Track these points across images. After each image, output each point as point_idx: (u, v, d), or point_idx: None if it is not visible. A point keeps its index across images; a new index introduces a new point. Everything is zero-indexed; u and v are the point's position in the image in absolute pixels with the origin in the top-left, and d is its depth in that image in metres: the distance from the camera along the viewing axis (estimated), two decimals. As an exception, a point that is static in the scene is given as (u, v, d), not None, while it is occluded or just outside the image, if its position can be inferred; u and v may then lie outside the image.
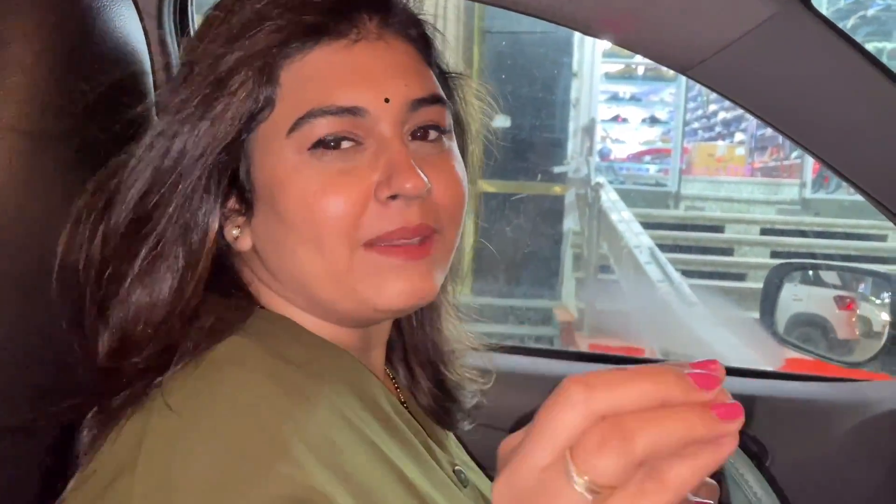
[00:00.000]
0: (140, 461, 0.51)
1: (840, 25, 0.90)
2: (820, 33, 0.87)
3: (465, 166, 0.71)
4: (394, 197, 0.61)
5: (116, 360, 0.58)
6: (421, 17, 0.69)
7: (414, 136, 0.65)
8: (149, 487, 0.50)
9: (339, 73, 0.61)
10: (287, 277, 0.65)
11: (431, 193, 0.63)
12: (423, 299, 0.64)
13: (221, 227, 0.64)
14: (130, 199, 0.59)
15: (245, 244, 0.65)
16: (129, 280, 0.59)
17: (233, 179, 0.63)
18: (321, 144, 0.61)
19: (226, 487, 0.50)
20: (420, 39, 0.68)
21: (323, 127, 0.60)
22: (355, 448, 0.58)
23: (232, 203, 0.64)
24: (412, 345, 0.80)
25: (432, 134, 0.65)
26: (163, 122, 0.60)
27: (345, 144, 0.61)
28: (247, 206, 0.64)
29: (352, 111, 0.61)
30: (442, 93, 0.67)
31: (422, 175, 0.61)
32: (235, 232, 0.64)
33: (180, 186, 0.59)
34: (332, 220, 0.60)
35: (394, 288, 0.62)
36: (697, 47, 0.89)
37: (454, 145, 0.69)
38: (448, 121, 0.67)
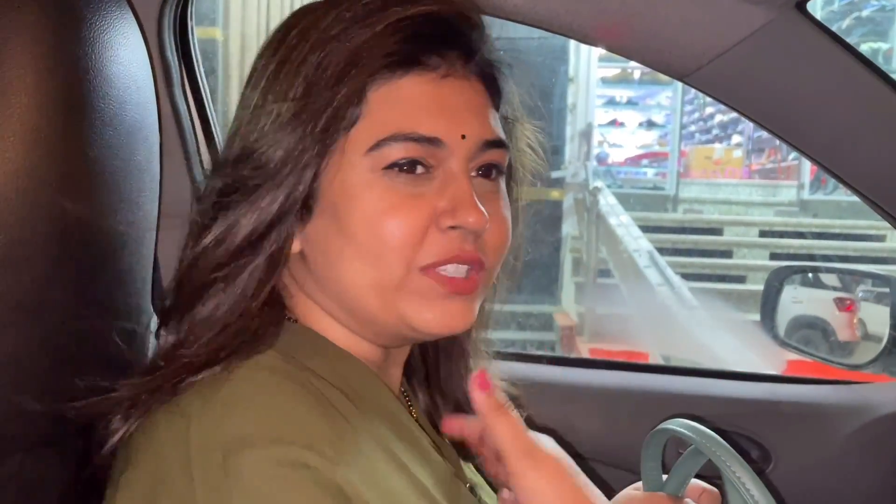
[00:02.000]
0: (194, 471, 0.53)
1: (835, 27, 0.91)
2: (815, 38, 0.88)
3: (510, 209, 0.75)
4: (453, 227, 0.64)
5: (172, 355, 0.61)
6: (498, 62, 0.72)
7: (477, 172, 0.68)
8: (208, 487, 0.53)
9: (426, 104, 0.64)
10: (332, 285, 0.66)
11: (485, 231, 0.66)
12: (458, 329, 0.67)
13: None
14: (251, 219, 0.63)
15: (294, 247, 0.66)
16: (220, 285, 0.63)
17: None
18: (396, 166, 0.63)
19: (239, 450, 0.53)
20: (493, 83, 0.71)
21: (402, 150, 0.63)
22: (378, 456, 0.59)
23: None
24: (437, 374, 0.82)
25: (493, 173, 0.69)
26: (277, 169, 0.63)
27: (418, 170, 0.64)
28: (304, 212, 0.65)
29: (431, 141, 0.63)
30: (505, 137, 0.71)
31: (484, 211, 0.64)
32: None
33: (285, 206, 0.63)
34: (395, 239, 0.63)
35: (434, 314, 0.65)
36: (694, 54, 0.90)
37: (504, 187, 0.72)
38: (506, 163, 0.71)
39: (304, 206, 0.65)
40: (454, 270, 0.65)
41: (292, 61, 0.64)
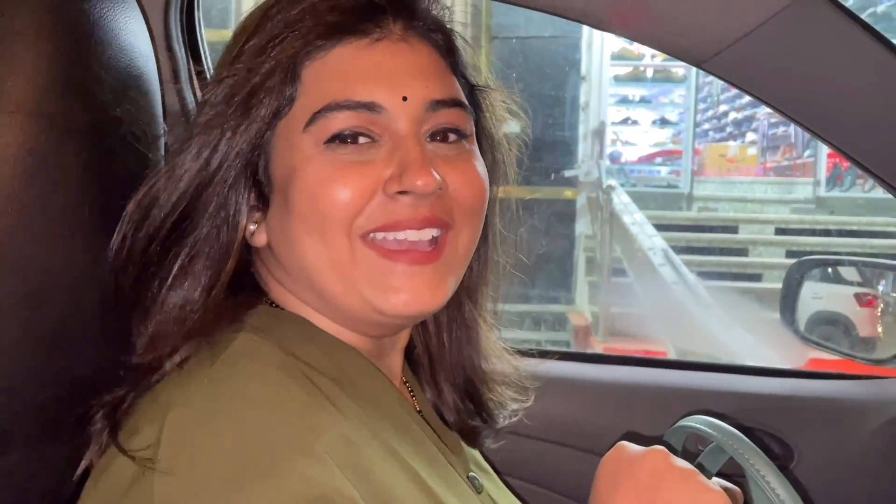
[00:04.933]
0: (160, 458, 0.51)
1: (852, 21, 0.88)
2: (837, 22, 0.85)
3: (495, 177, 0.74)
4: (403, 193, 0.61)
5: (149, 354, 0.60)
6: (447, 24, 0.70)
7: (433, 137, 0.65)
8: (170, 487, 0.50)
9: (358, 70, 0.62)
10: (297, 272, 0.65)
11: (447, 189, 0.64)
12: (429, 308, 0.64)
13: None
14: (175, 204, 0.62)
15: (261, 240, 0.66)
16: (169, 279, 0.61)
17: (253, 176, 0.65)
18: (337, 138, 0.61)
19: (246, 482, 0.50)
20: (445, 46, 0.69)
21: (339, 121, 0.61)
22: (370, 445, 0.58)
23: (251, 199, 0.64)
24: (440, 362, 0.79)
25: (451, 137, 0.66)
26: (200, 133, 0.62)
27: (361, 140, 0.62)
28: (263, 202, 0.65)
29: (368, 106, 0.61)
30: (463, 98, 0.68)
31: (434, 173, 0.61)
32: (252, 227, 0.65)
33: (219, 189, 0.62)
34: (335, 208, 0.61)
35: (398, 295, 0.62)
36: (712, 39, 0.88)
37: (475, 149, 0.69)
38: (469, 127, 0.68)
39: (261, 196, 0.64)
40: (416, 236, 0.62)
41: (235, 46, 0.65)
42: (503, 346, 0.83)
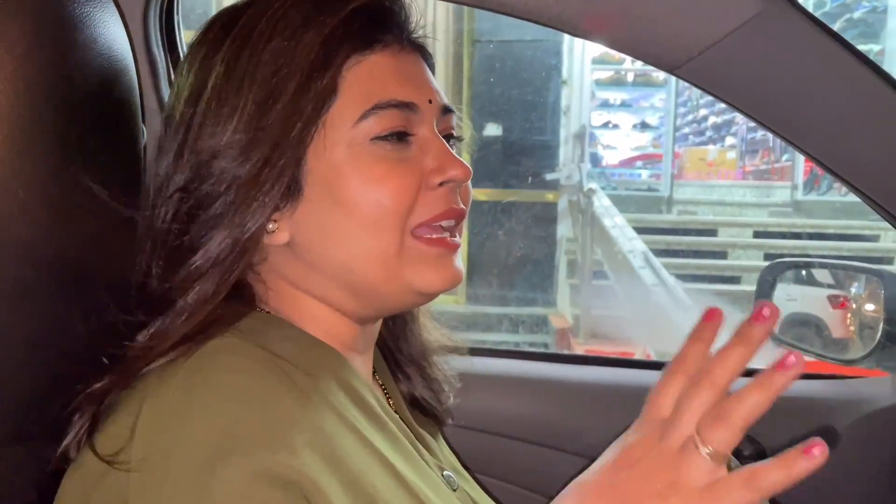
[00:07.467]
0: (134, 449, 0.53)
1: (827, 28, 0.91)
2: (806, 30, 0.87)
3: None
4: (442, 184, 0.68)
5: (145, 348, 0.61)
6: (425, 39, 0.76)
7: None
8: (144, 479, 0.52)
9: (395, 74, 0.68)
10: (332, 264, 0.67)
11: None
12: (457, 283, 0.71)
13: None
14: (215, 207, 0.64)
15: (282, 238, 0.67)
16: (200, 274, 0.63)
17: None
18: (382, 136, 0.66)
19: (214, 466, 0.52)
20: (430, 60, 0.76)
21: (386, 119, 0.66)
22: (345, 436, 0.60)
23: (278, 199, 0.66)
24: (404, 347, 0.84)
25: (452, 139, 0.74)
26: (236, 142, 0.64)
27: (400, 137, 0.67)
28: (290, 199, 0.66)
29: (409, 106, 0.68)
30: None
31: (466, 164, 0.69)
32: (272, 226, 0.66)
33: (258, 193, 0.64)
34: (393, 202, 0.66)
35: (435, 274, 0.68)
36: (684, 46, 0.89)
37: None
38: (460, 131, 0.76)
39: (290, 194, 0.66)
40: (447, 225, 0.69)
41: (242, 65, 0.64)
42: (442, 331, 0.89)
